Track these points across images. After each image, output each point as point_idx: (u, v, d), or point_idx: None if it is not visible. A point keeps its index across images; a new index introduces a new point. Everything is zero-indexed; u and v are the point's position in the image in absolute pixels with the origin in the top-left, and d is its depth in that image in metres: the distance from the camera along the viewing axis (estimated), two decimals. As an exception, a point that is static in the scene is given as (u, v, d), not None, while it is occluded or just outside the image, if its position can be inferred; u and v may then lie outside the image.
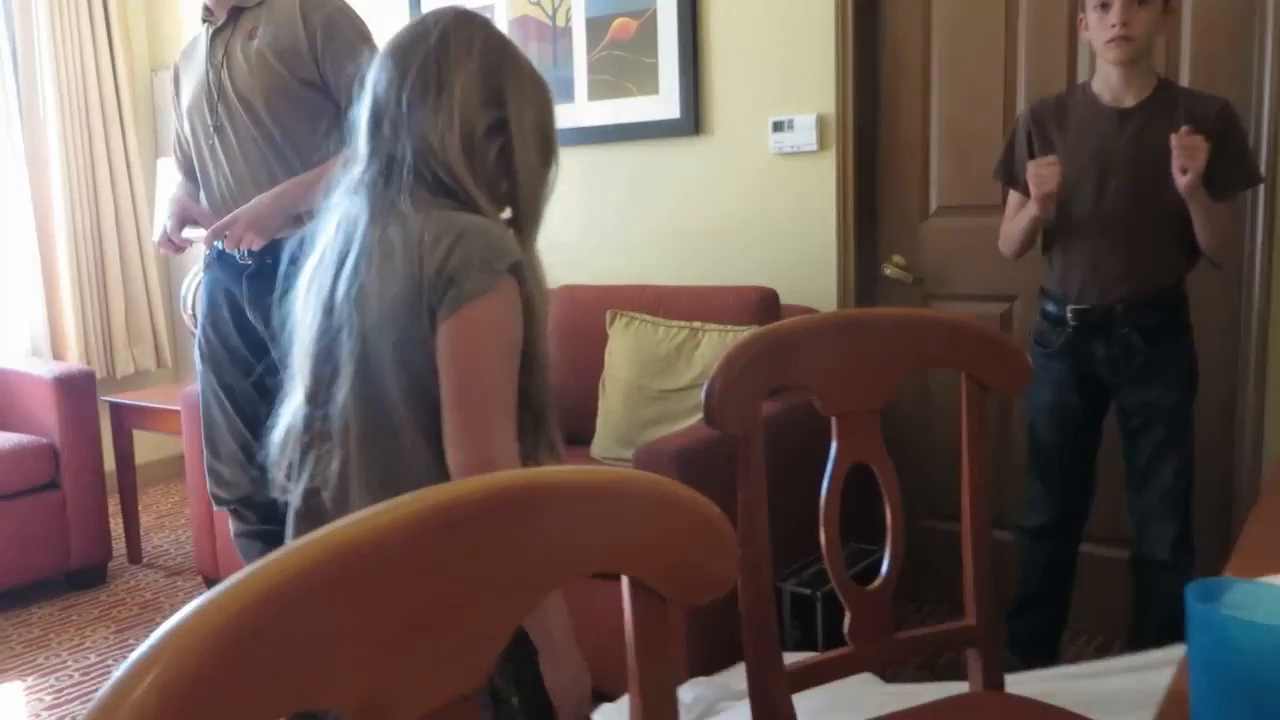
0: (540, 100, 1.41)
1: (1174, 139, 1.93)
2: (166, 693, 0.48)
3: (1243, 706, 0.63)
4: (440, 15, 1.33)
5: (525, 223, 1.40)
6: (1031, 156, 2.14)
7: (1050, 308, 2.18)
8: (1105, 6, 1.99)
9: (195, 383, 2.48)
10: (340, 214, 1.32)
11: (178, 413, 3.06)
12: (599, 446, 2.68)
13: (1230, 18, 2.31)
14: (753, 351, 1.21)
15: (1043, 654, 2.34)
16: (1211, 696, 0.64)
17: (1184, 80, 2.33)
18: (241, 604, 0.53)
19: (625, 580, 0.75)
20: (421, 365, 1.23)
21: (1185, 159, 1.91)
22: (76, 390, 3.14)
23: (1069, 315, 2.13)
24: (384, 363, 1.24)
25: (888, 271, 2.80)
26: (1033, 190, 2.07)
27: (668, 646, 0.78)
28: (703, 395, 1.20)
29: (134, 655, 0.49)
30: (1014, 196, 2.24)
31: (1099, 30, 2.01)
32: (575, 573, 0.72)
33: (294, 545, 0.57)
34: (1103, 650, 2.50)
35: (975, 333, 1.37)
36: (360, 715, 0.59)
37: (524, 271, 1.28)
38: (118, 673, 0.48)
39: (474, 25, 1.33)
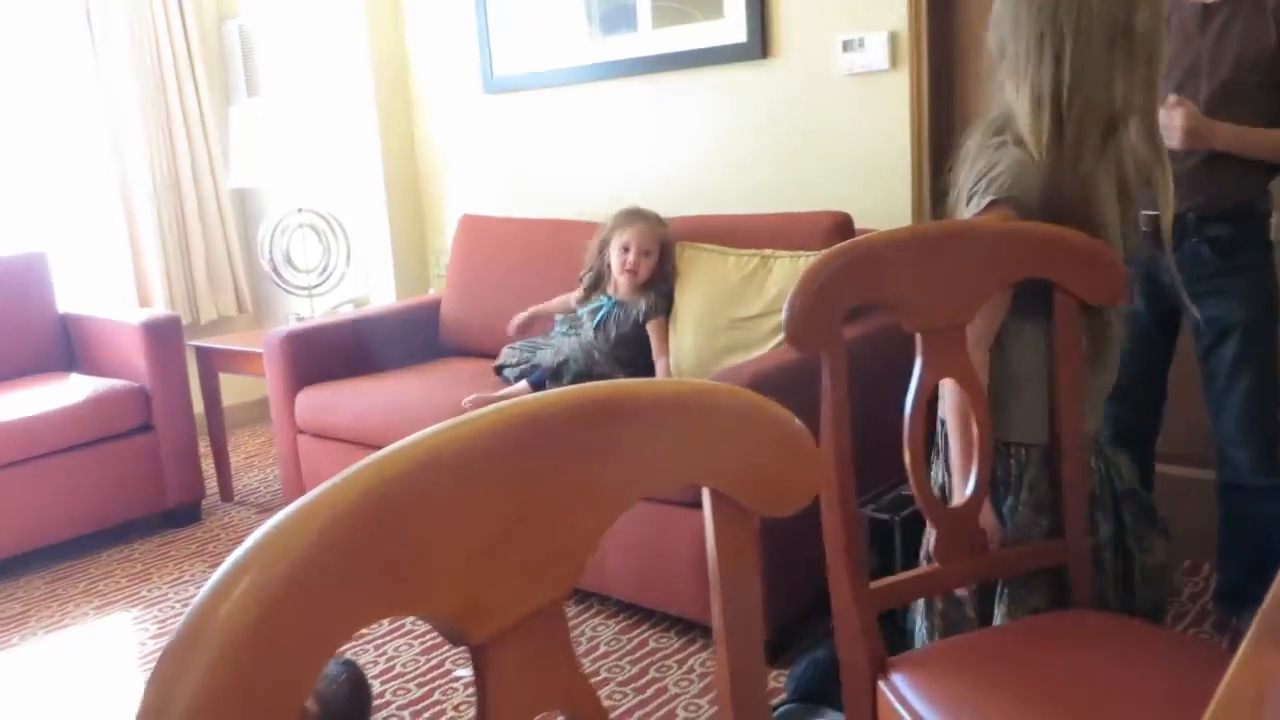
0: None
1: (1160, 111, 1.81)
2: (261, 596, 0.48)
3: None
4: None
5: None
6: None
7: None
8: None
9: (276, 326, 2.52)
10: None
11: (260, 355, 3.14)
12: (674, 376, 2.67)
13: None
14: (834, 267, 1.18)
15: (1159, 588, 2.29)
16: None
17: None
18: (333, 512, 0.54)
19: (707, 492, 0.74)
20: None
21: (1165, 131, 1.80)
22: (164, 336, 3.23)
23: (1141, 219, 2.03)
24: None
25: (966, 192, 2.71)
26: (1173, 142, 1.94)
27: (750, 559, 0.77)
28: (784, 313, 1.18)
29: (227, 562, 0.49)
30: None
31: None
32: (660, 485, 0.71)
33: (385, 452, 0.57)
34: (1193, 572, 2.44)
35: (1068, 243, 1.32)
36: (452, 622, 0.59)
37: None
38: (214, 578, 0.48)
39: None
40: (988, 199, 1.38)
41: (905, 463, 1.27)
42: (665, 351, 2.68)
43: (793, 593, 2.18)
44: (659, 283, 2.73)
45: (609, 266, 2.75)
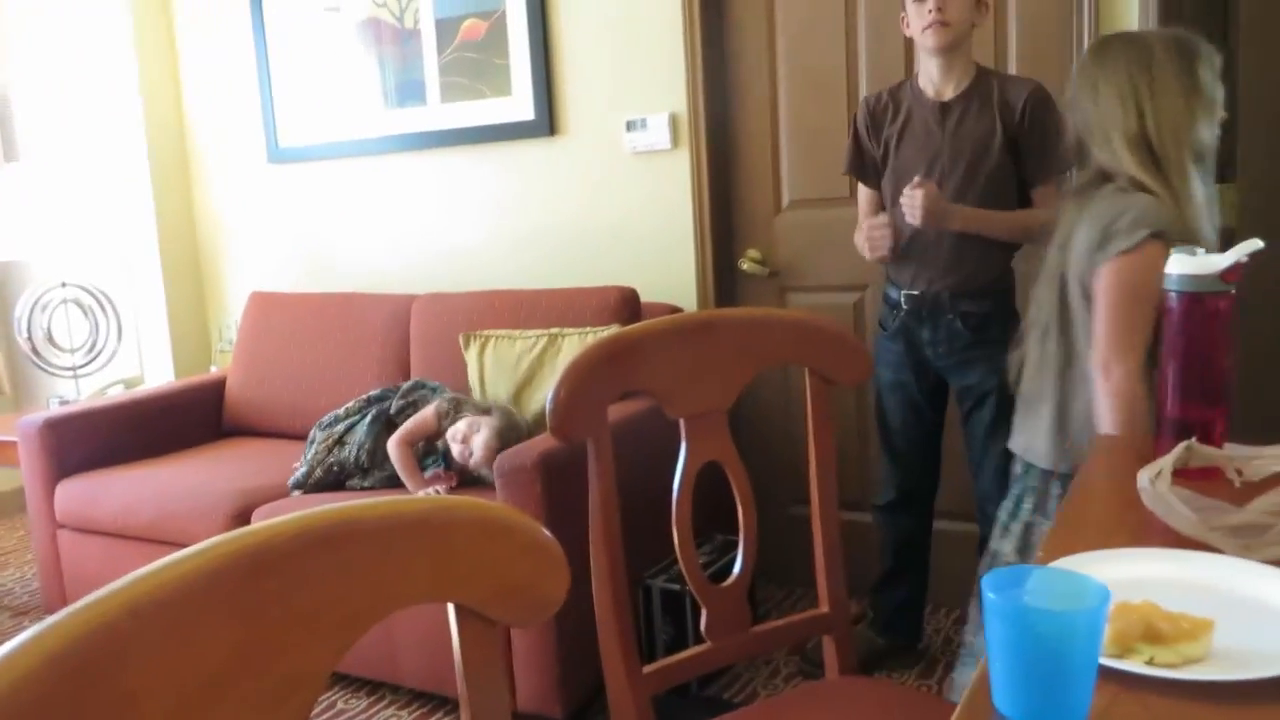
0: None
1: (905, 190, 2.08)
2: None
3: (1039, 688, 0.66)
4: None
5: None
6: (870, 149, 2.23)
7: (890, 292, 2.27)
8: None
9: (37, 409, 2.33)
10: None
11: (14, 444, 2.89)
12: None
13: (1053, 7, 2.43)
14: (595, 360, 1.21)
15: (905, 631, 2.44)
16: (1009, 679, 0.68)
17: (1010, 59, 2.44)
18: (23, 671, 0.50)
19: (451, 608, 0.74)
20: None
21: (907, 209, 2.08)
22: (-101, 426, 2.93)
23: (902, 300, 2.22)
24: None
25: (744, 266, 2.85)
26: (867, 252, 2.20)
27: (497, 669, 0.77)
28: (548, 405, 1.20)
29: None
30: (864, 190, 2.32)
31: (917, 20, 2.10)
32: (399, 606, 0.71)
33: (85, 602, 0.55)
34: (962, 622, 2.61)
35: (817, 329, 1.41)
36: (163, 776, 0.56)
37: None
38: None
39: None
40: (1139, 235, 1.49)
41: (674, 542, 1.31)
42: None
43: (584, 679, 2.18)
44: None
45: (446, 442, 2.53)
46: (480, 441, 2.41)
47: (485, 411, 2.52)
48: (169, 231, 3.66)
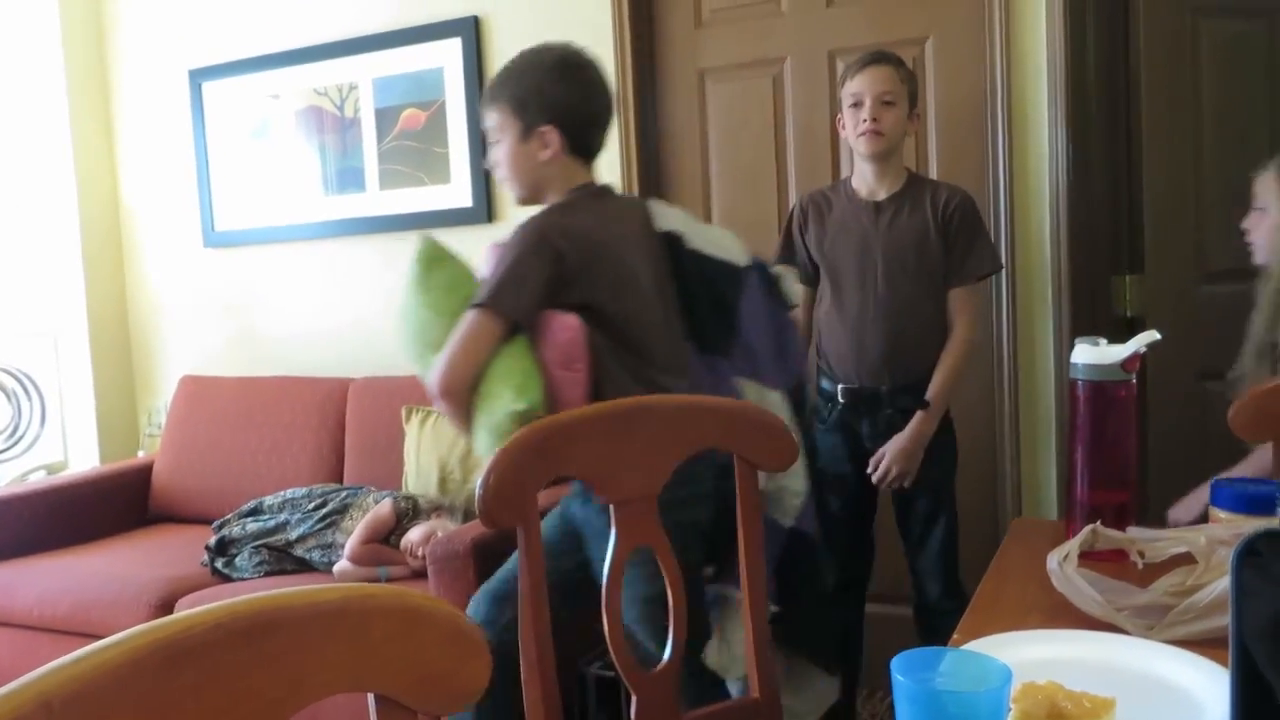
0: None
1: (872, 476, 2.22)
2: None
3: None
4: None
5: None
6: (801, 247, 2.33)
7: (825, 385, 2.32)
8: (858, 105, 2.18)
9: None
10: None
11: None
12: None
13: (970, 116, 2.56)
14: (524, 447, 1.23)
15: (840, 718, 2.43)
16: (919, 762, 0.70)
17: (932, 171, 2.56)
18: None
19: (371, 698, 0.74)
20: None
21: (898, 468, 2.20)
22: None
23: (839, 393, 2.27)
24: None
25: (680, 351, 2.89)
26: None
27: (420, 761, 0.77)
28: (477, 491, 1.21)
29: None
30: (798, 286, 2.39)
31: (853, 126, 2.20)
32: (318, 697, 0.71)
33: (-5, 697, 0.54)
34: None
35: (744, 415, 1.44)
36: None
37: None
38: None
39: None
40: None
41: (604, 629, 1.31)
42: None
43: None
44: None
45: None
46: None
47: (438, 508, 2.51)
48: (99, 312, 3.61)
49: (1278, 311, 1.81)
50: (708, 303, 1.93)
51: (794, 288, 2.04)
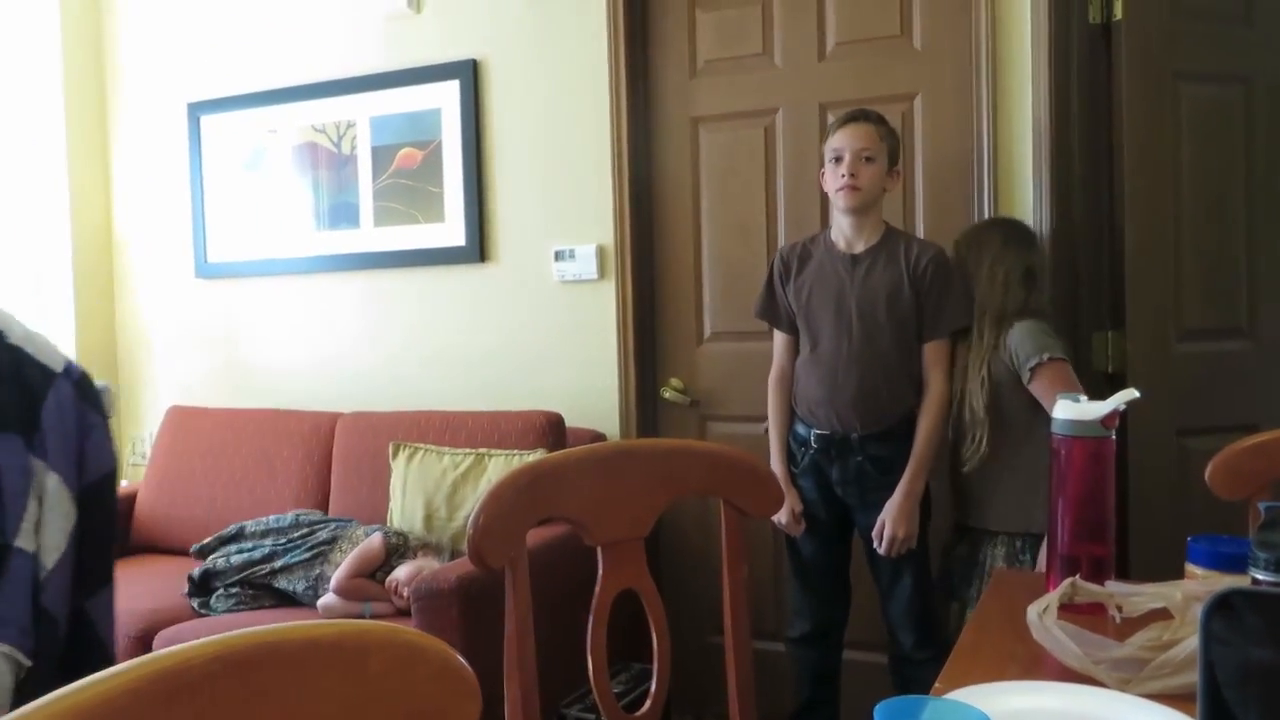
0: None
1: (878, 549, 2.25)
2: None
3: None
4: None
5: None
6: (782, 297, 2.37)
7: (799, 429, 2.35)
8: (838, 160, 2.23)
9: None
10: None
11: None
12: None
13: (956, 172, 2.62)
14: (515, 487, 1.24)
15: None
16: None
17: (918, 226, 2.61)
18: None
19: (363, 734, 0.75)
20: None
21: (903, 531, 2.22)
22: None
23: (811, 438, 2.30)
24: None
25: (666, 394, 2.92)
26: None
27: (408, 798, 0.78)
28: (468, 531, 1.22)
29: None
30: (778, 334, 2.42)
31: (832, 180, 2.25)
32: (310, 730, 0.72)
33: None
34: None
35: (730, 461, 1.46)
36: None
37: None
38: None
39: None
40: None
41: (589, 671, 1.32)
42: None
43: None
44: None
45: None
46: None
47: (425, 546, 2.51)
48: (88, 340, 3.62)
49: None
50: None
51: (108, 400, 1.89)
